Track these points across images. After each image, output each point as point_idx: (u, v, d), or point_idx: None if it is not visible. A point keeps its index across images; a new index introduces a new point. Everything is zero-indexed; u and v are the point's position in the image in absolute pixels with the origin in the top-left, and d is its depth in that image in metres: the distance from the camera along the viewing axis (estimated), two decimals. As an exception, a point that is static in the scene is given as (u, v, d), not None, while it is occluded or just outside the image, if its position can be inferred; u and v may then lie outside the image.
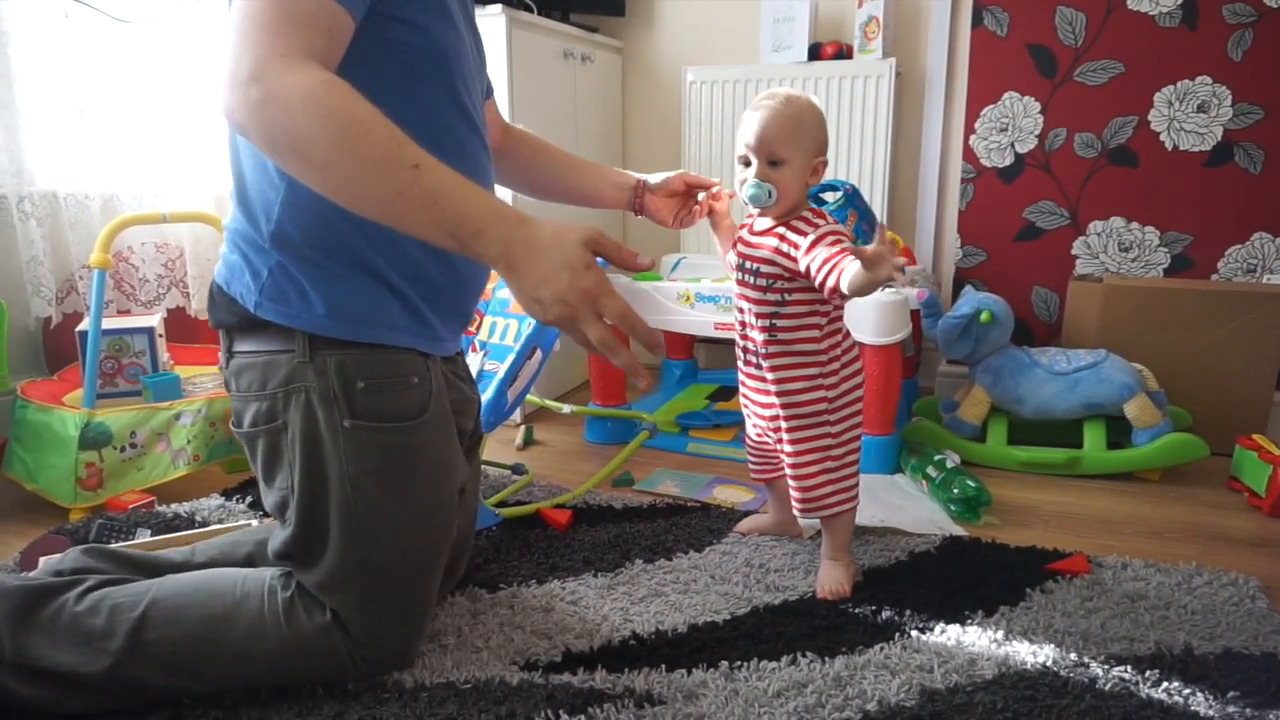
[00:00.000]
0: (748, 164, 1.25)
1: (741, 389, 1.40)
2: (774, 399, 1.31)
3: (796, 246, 1.23)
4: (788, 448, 1.31)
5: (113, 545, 1.24)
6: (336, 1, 0.88)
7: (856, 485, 1.34)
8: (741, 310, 1.34)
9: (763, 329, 1.30)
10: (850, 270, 1.12)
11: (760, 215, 1.31)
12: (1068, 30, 2.14)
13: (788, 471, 1.33)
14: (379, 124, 0.84)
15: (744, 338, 1.35)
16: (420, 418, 1.06)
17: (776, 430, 1.34)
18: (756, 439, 1.43)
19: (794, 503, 1.33)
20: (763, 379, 1.33)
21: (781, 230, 1.27)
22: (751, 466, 1.48)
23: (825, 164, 1.28)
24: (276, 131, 0.83)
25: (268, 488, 1.07)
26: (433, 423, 1.08)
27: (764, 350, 1.30)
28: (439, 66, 1.03)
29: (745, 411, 1.42)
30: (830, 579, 1.30)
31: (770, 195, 1.23)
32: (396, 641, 1.07)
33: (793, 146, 1.23)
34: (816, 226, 1.24)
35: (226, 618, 1.02)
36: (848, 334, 1.34)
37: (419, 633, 1.11)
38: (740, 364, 1.38)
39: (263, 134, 0.84)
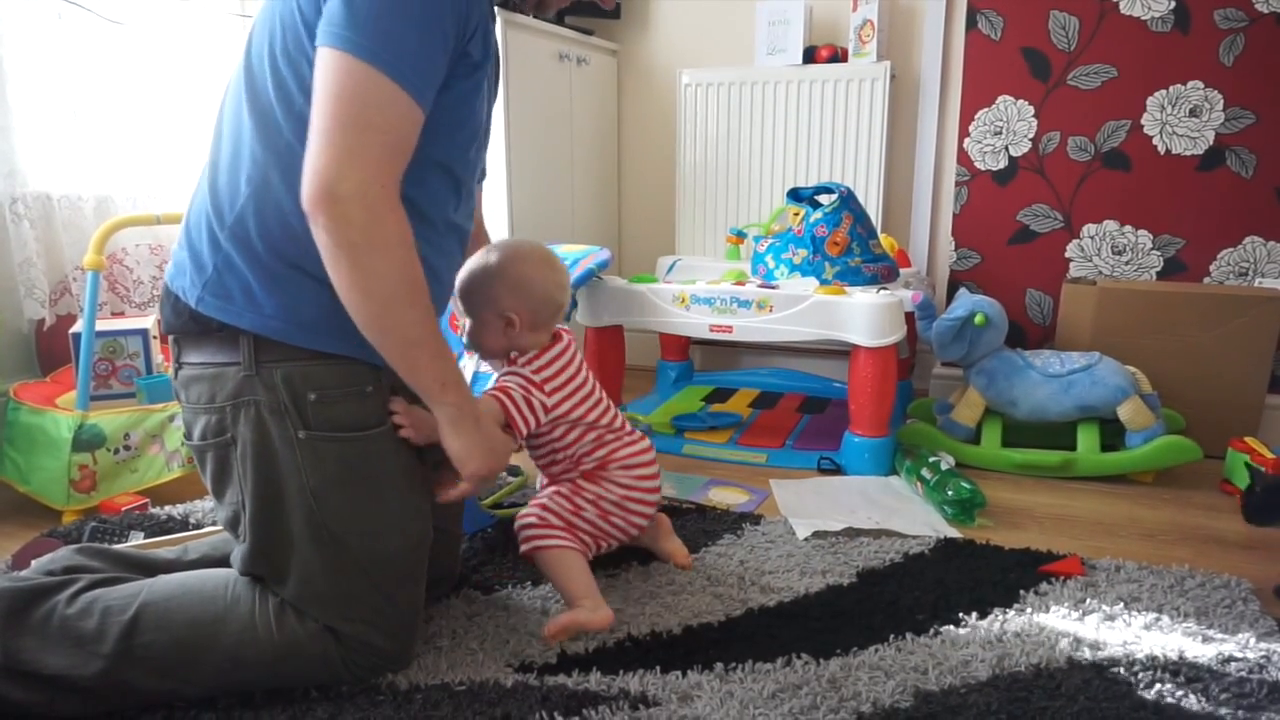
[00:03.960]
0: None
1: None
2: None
3: None
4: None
5: (104, 545, 1.23)
6: (420, 108, 0.95)
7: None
8: None
9: None
10: None
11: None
12: (1061, 34, 2.15)
13: None
14: (426, 291, 1.00)
15: None
16: (380, 427, 1.05)
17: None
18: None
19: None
20: None
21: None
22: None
23: (513, 321, 1.24)
24: (354, 254, 0.93)
25: (219, 502, 1.07)
26: (394, 431, 1.07)
27: None
28: (448, 136, 1.04)
29: None
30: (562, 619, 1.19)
31: (469, 349, 1.31)
32: (389, 646, 1.07)
33: (470, 306, 1.27)
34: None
35: (218, 622, 1.01)
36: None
37: (410, 636, 1.10)
38: None
39: (335, 243, 0.92)
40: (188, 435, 1.07)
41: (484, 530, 1.51)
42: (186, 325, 1.03)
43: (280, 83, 0.99)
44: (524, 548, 1.26)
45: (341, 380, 1.03)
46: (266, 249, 0.99)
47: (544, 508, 1.28)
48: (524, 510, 1.29)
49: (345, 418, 1.03)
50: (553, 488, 1.32)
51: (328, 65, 0.92)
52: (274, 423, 1.00)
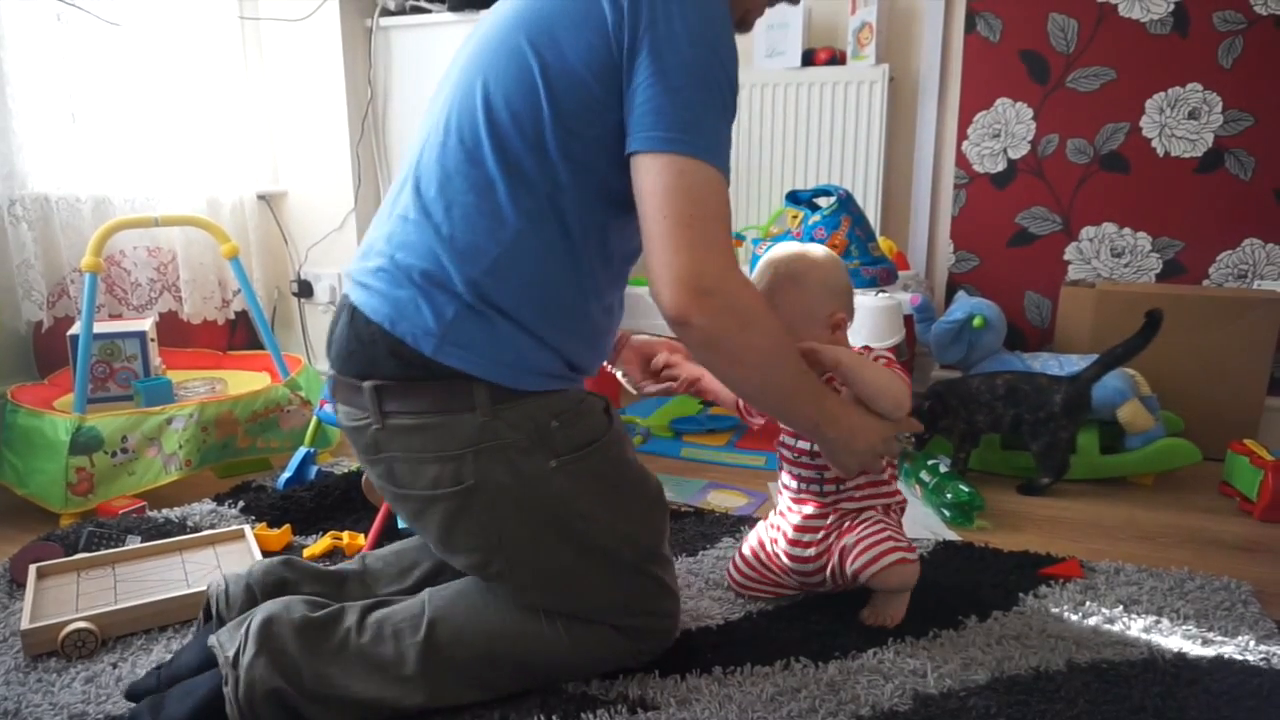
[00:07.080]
0: None
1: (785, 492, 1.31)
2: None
3: None
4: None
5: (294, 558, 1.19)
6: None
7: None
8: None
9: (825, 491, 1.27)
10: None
11: None
12: (1060, 37, 2.15)
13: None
14: (792, 344, 1.04)
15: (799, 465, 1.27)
16: (611, 429, 1.08)
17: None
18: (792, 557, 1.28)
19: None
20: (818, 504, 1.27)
21: None
22: (739, 580, 1.32)
23: (845, 320, 1.23)
24: (727, 336, 0.96)
25: (451, 551, 1.04)
26: (617, 429, 1.10)
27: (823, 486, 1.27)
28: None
29: (779, 516, 1.32)
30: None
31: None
32: (667, 625, 1.11)
33: (804, 325, 1.19)
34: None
35: (511, 637, 1.04)
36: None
37: (678, 605, 1.13)
38: (790, 472, 1.29)
39: (713, 336, 0.95)
40: (397, 482, 1.02)
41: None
42: (400, 372, 0.98)
43: (543, 156, 0.97)
44: (898, 578, 1.19)
45: (571, 402, 1.04)
46: (513, 306, 0.98)
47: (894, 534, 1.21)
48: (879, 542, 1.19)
49: (585, 434, 1.04)
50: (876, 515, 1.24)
51: (661, 169, 0.93)
52: (524, 461, 0.99)
